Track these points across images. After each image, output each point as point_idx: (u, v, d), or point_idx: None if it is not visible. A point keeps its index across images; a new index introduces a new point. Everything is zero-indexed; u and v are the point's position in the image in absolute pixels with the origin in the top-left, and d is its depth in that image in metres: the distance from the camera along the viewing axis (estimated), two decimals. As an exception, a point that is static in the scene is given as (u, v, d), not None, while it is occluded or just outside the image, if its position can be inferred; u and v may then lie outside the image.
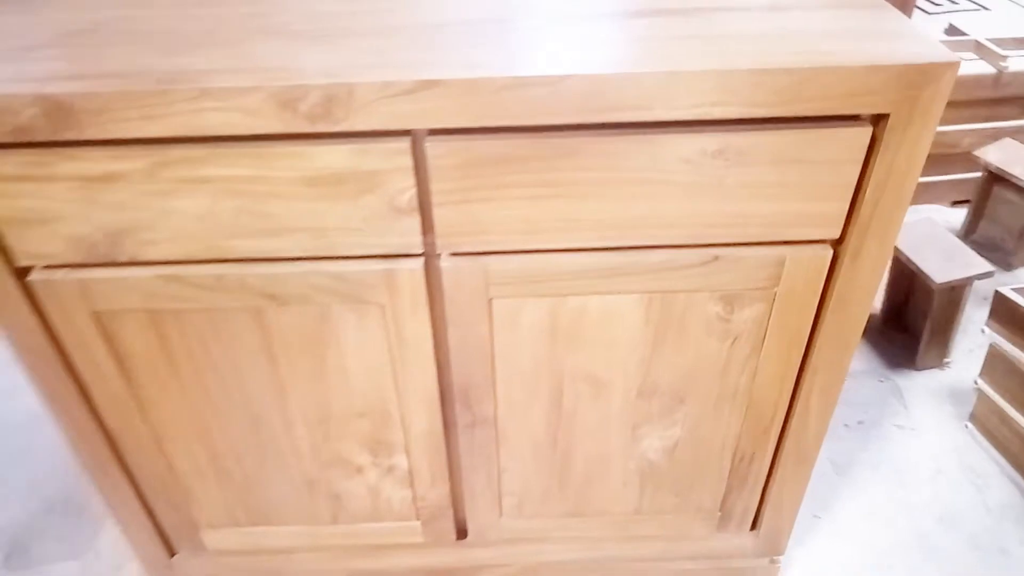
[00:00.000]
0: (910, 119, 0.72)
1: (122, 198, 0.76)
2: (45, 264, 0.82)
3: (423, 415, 0.97)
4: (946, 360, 1.64)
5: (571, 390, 0.96)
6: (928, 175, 2.08)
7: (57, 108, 0.69)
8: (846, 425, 1.54)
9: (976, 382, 1.46)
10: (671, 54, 0.71)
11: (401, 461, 1.04)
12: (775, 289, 0.85)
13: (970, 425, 1.50)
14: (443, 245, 0.81)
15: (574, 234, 0.80)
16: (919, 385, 1.62)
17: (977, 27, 2.07)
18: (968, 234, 1.99)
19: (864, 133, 0.73)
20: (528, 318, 0.88)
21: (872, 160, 0.75)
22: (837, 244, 0.83)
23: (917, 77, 0.69)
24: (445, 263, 0.83)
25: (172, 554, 1.17)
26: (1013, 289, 1.38)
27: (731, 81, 0.69)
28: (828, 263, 0.83)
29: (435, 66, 0.70)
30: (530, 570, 1.22)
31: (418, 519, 1.12)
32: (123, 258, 0.81)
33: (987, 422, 1.46)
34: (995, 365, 1.42)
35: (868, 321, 1.75)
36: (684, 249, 0.82)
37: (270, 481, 1.05)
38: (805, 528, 1.34)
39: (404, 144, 0.73)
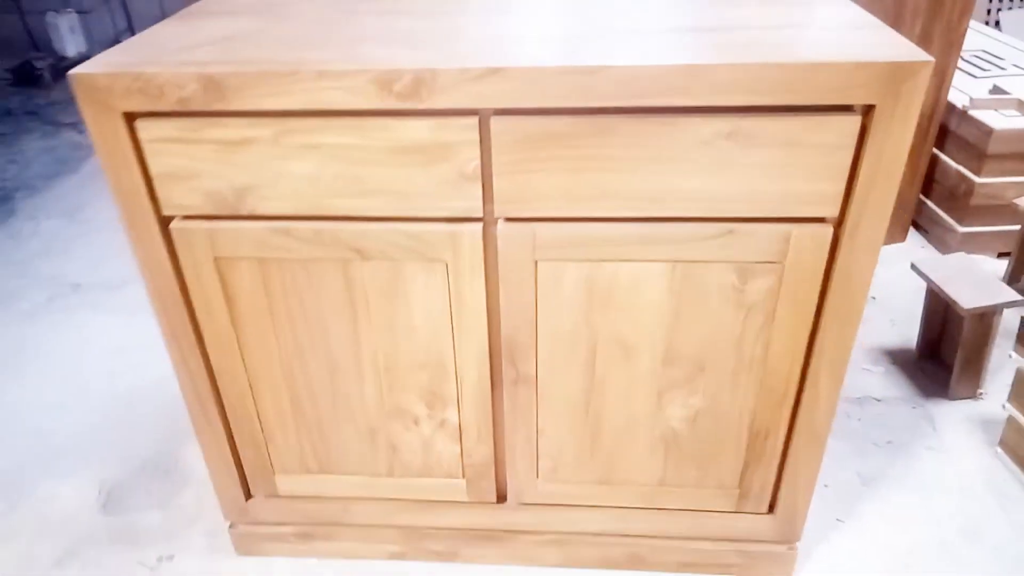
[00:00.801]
0: (894, 110, 0.86)
1: (250, 160, 0.96)
2: (184, 215, 1.03)
3: (474, 370, 1.13)
4: (980, 391, 1.70)
5: (603, 353, 1.09)
6: (974, 226, 2.16)
7: (211, 84, 0.90)
8: (875, 444, 1.60)
9: (1004, 406, 1.52)
10: (694, 53, 0.88)
11: (452, 415, 1.18)
12: (783, 262, 0.98)
13: (1000, 450, 1.55)
14: (499, 211, 0.98)
15: (608, 204, 0.96)
16: (951, 413, 1.67)
17: (1020, 89, 2.18)
18: (1012, 282, 2.04)
19: (854, 121, 0.88)
20: (568, 281, 1.03)
21: (864, 147, 0.90)
22: (837, 225, 0.96)
23: (898, 73, 0.84)
24: (500, 227, 1.00)
25: (248, 497, 1.33)
26: (1038, 315, 1.45)
27: (741, 74, 0.85)
28: (830, 240, 0.96)
29: (501, 59, 0.89)
30: (562, 539, 1.32)
31: (464, 477, 1.26)
32: (244, 212, 1.01)
33: (1016, 446, 1.51)
34: (1022, 388, 1.48)
35: (903, 353, 1.83)
36: (703, 222, 0.97)
37: (339, 427, 1.21)
38: (827, 528, 1.41)
39: (473, 121, 0.92)
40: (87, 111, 0.93)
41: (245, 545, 1.39)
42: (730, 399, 1.12)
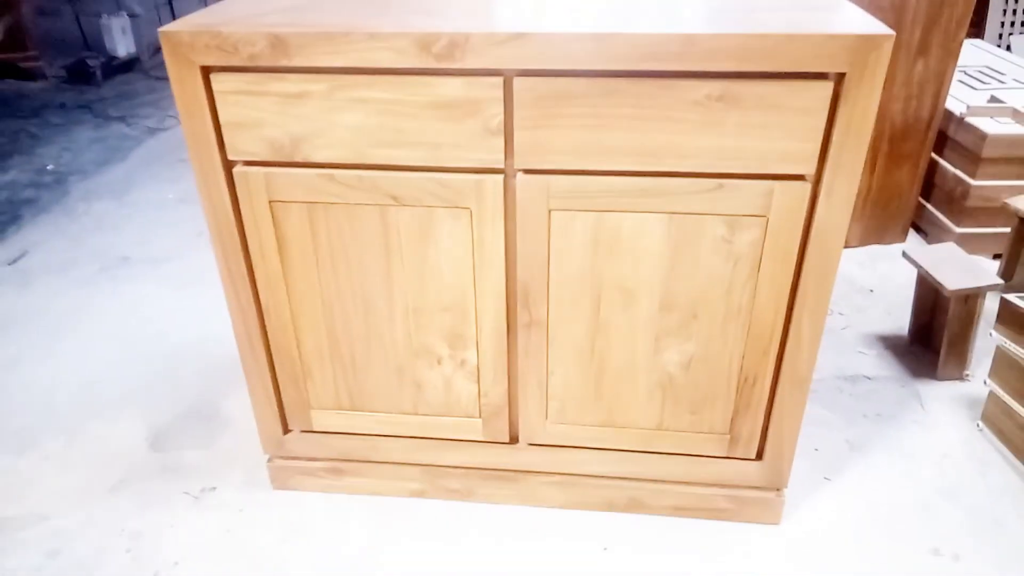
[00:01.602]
0: (861, 77, 1.00)
1: (306, 111, 1.12)
2: (245, 160, 1.18)
3: (491, 313, 1.26)
4: (966, 372, 1.80)
5: (607, 299, 1.23)
6: (970, 227, 2.27)
7: (278, 42, 1.06)
8: (865, 416, 1.71)
9: (985, 381, 1.62)
10: (689, 24, 1.03)
11: (472, 356, 1.32)
12: (768, 216, 1.12)
13: (981, 424, 1.65)
14: (518, 163, 1.13)
15: (613, 158, 1.10)
16: (938, 392, 1.78)
17: (1017, 99, 2.30)
18: (1005, 280, 2.15)
19: (828, 86, 1.01)
20: (578, 230, 1.17)
21: (836, 110, 1.03)
22: (815, 183, 1.10)
23: (864, 44, 0.98)
24: (519, 179, 1.14)
25: (286, 431, 1.47)
26: (1017, 295, 1.57)
27: (729, 42, 0.99)
28: (808, 195, 1.09)
29: (525, 26, 1.04)
30: (567, 481, 1.45)
31: (480, 416, 1.39)
32: (298, 159, 1.16)
33: (995, 419, 1.62)
34: (1001, 364, 1.59)
35: (896, 339, 1.94)
36: (696, 178, 1.11)
37: (370, 365, 1.36)
38: (815, 485, 1.52)
39: (499, 80, 1.07)
40: (171, 64, 1.09)
41: (281, 479, 1.53)
42: (720, 345, 1.25)
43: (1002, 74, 2.61)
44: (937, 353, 1.83)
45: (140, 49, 4.45)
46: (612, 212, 1.15)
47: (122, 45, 4.30)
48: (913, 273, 1.99)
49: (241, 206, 1.21)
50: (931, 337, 1.87)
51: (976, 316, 1.73)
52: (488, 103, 1.08)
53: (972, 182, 2.21)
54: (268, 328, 1.34)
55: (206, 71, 1.10)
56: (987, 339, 1.85)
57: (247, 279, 1.28)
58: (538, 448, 1.42)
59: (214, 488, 1.55)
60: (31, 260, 2.44)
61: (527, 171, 1.14)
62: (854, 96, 1.01)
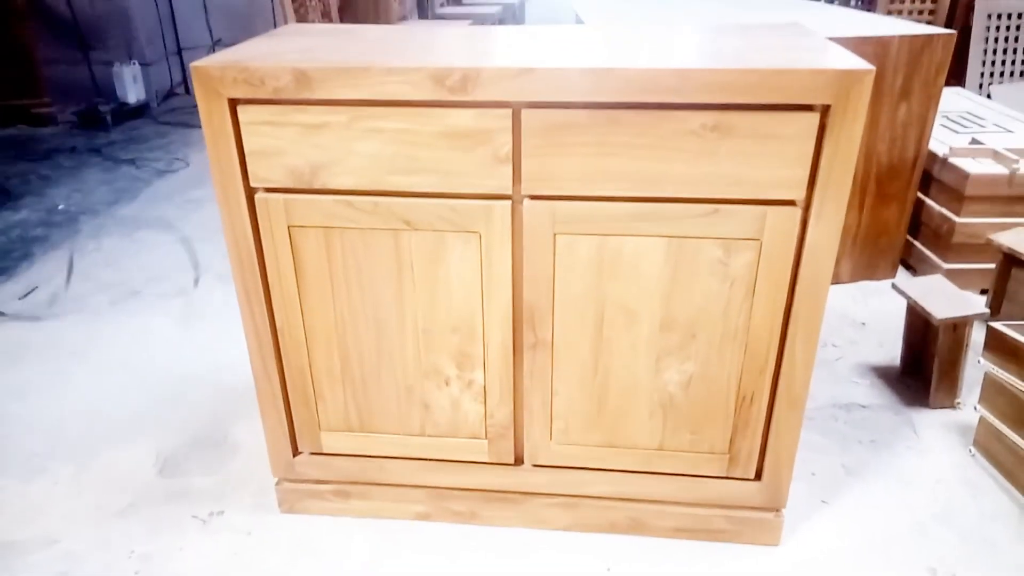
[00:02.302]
0: (845, 109, 1.08)
1: (326, 141, 1.19)
2: (265, 187, 1.25)
3: (499, 333, 1.32)
4: (957, 400, 1.85)
5: (610, 320, 1.28)
6: (956, 263, 2.35)
7: (302, 76, 1.14)
8: (860, 442, 1.76)
9: (976, 407, 1.67)
10: (684, 58, 1.11)
11: (479, 376, 1.37)
12: (761, 239, 1.18)
13: (973, 449, 1.69)
14: (525, 190, 1.20)
15: (615, 185, 1.17)
16: (931, 419, 1.82)
17: (997, 142, 2.40)
18: (992, 315, 2.21)
19: (814, 117, 1.09)
20: (581, 253, 1.23)
21: (823, 140, 1.11)
22: (805, 208, 1.17)
23: (847, 78, 1.06)
24: (526, 204, 1.21)
25: (296, 454, 1.50)
26: (1004, 324, 1.63)
27: (721, 77, 1.07)
28: (799, 219, 1.16)
29: (531, 62, 1.12)
30: (570, 502, 1.48)
31: (486, 437, 1.43)
32: (317, 185, 1.23)
33: (987, 444, 1.66)
34: (991, 390, 1.64)
35: (889, 370, 2.00)
36: (692, 203, 1.18)
37: (381, 386, 1.40)
38: (813, 509, 1.56)
39: (508, 112, 1.14)
40: (201, 96, 1.17)
41: (289, 502, 1.55)
42: (719, 364, 1.30)
43: (983, 119, 2.72)
44: (928, 382, 1.88)
45: (150, 96, 4.58)
46: (614, 236, 1.21)
47: (133, 92, 4.42)
48: (903, 307, 2.06)
49: (261, 231, 1.27)
50: (922, 366, 1.93)
51: (965, 345, 1.79)
52: (498, 133, 1.16)
53: (957, 219, 2.29)
54: (282, 349, 1.39)
55: (233, 103, 1.18)
56: (975, 368, 1.90)
57: (263, 302, 1.33)
58: (542, 469, 1.45)
59: (222, 512, 1.58)
60: (41, 295, 2.48)
61: (534, 197, 1.21)
62: (839, 126, 1.09)
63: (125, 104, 4.39)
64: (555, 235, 1.22)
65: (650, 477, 1.43)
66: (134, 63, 4.44)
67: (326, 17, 4.54)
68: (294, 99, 1.17)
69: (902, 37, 2.12)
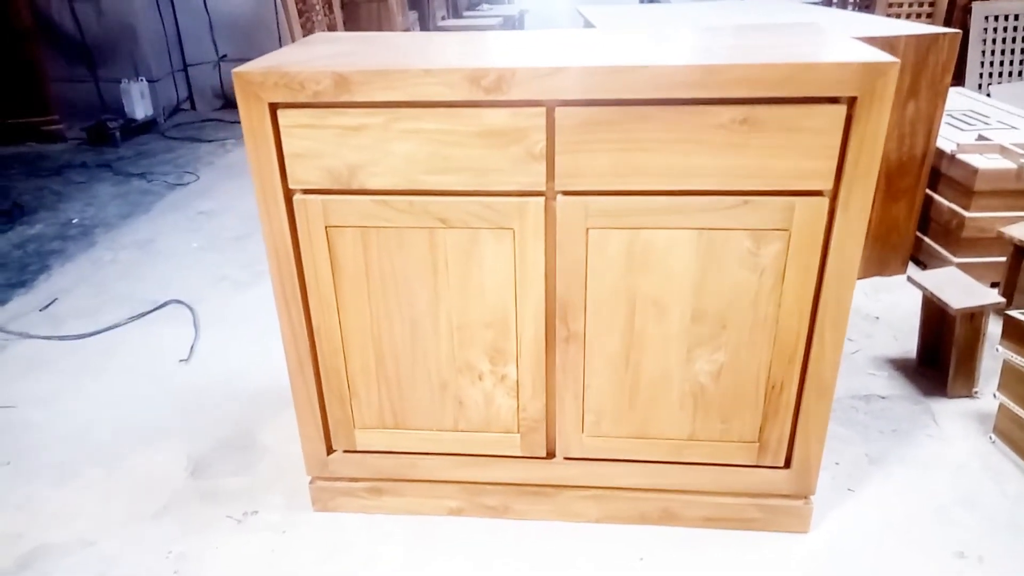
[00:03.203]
0: (871, 101, 1.11)
1: (364, 142, 1.22)
2: (303, 189, 1.28)
3: (532, 327, 1.34)
4: (975, 390, 1.88)
5: (641, 312, 1.31)
6: (967, 257, 2.38)
7: (341, 79, 1.17)
8: (881, 432, 1.78)
9: (995, 395, 1.70)
10: (715, 55, 1.14)
11: (512, 371, 1.39)
12: (790, 229, 1.21)
13: (993, 436, 1.72)
14: (559, 185, 1.23)
15: (646, 179, 1.20)
16: (950, 408, 1.85)
17: (1003, 138, 2.44)
18: (1005, 307, 2.24)
19: (841, 109, 1.13)
20: (613, 246, 1.26)
21: (850, 131, 1.14)
22: (833, 198, 1.20)
23: (872, 71, 1.09)
24: (559, 200, 1.24)
25: (330, 452, 1.52)
26: (1019, 312, 1.66)
27: (748, 72, 1.11)
28: (826, 210, 1.19)
29: (564, 61, 1.16)
30: (601, 494, 1.50)
31: (518, 431, 1.45)
32: (354, 186, 1.26)
33: (1007, 430, 1.69)
34: (1010, 378, 1.67)
35: (905, 362, 2.03)
36: (722, 195, 1.21)
37: (415, 382, 1.42)
38: (839, 497, 1.58)
39: (542, 110, 1.17)
40: (242, 101, 1.20)
41: (322, 500, 1.57)
42: (748, 354, 1.33)
43: (986, 116, 2.76)
44: (945, 372, 1.91)
45: (157, 112, 4.62)
46: (645, 229, 1.24)
47: (140, 108, 4.46)
48: (916, 301, 2.09)
49: (299, 232, 1.30)
50: (939, 357, 1.96)
51: (982, 334, 1.82)
52: (532, 131, 1.19)
53: (967, 214, 2.33)
54: (318, 348, 1.41)
55: (273, 107, 1.21)
56: (991, 359, 1.93)
57: (300, 302, 1.36)
58: (573, 462, 1.48)
59: (256, 512, 1.60)
60: (61, 306, 2.51)
61: (566, 192, 1.24)
62: (865, 118, 1.13)
63: (133, 120, 4.43)
64: (587, 229, 1.25)
65: (681, 468, 1.46)
66: (141, 80, 4.49)
67: (332, 31, 4.59)
68: (333, 102, 1.20)
69: (909, 36, 2.16)
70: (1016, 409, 1.65)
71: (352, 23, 4.86)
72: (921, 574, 1.40)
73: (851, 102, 1.13)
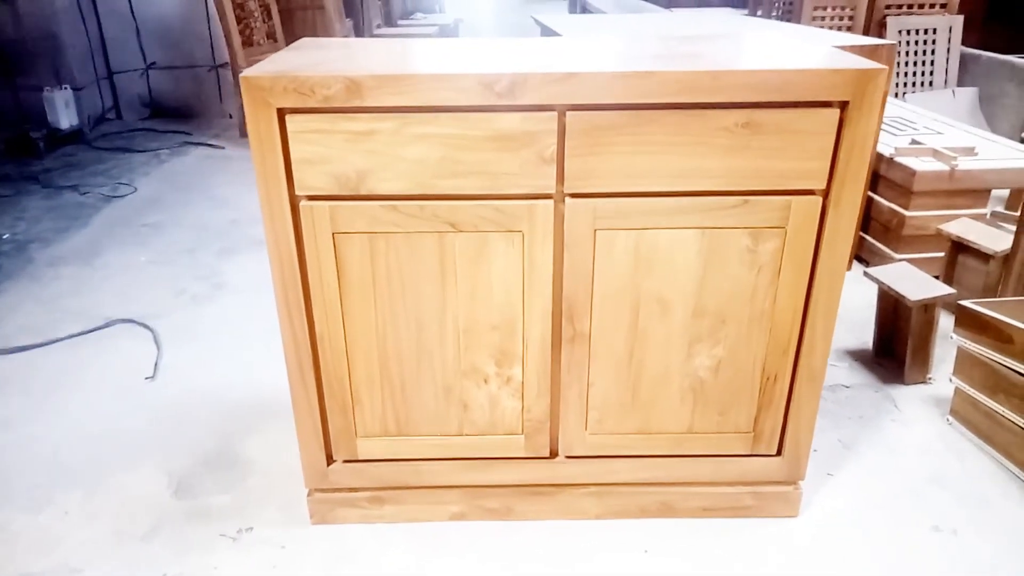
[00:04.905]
0: (861, 105, 1.19)
1: (373, 147, 1.22)
2: (310, 195, 1.27)
3: (538, 329, 1.37)
4: (929, 376, 2.01)
5: (645, 309, 1.36)
6: (907, 253, 2.54)
7: (352, 84, 1.17)
8: (849, 418, 1.89)
9: (951, 379, 1.83)
10: (717, 62, 1.20)
11: (517, 372, 1.41)
12: (785, 227, 1.28)
13: (951, 418, 1.85)
14: (567, 188, 1.26)
15: (651, 181, 1.25)
16: (908, 394, 1.98)
17: (934, 142, 2.62)
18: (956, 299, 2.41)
19: (834, 113, 1.20)
20: (619, 247, 1.30)
21: (842, 133, 1.22)
22: (825, 197, 1.27)
23: (862, 77, 1.17)
24: (568, 202, 1.27)
25: (330, 462, 1.50)
26: (971, 302, 1.79)
27: (754, 77, 1.17)
28: (819, 208, 1.27)
29: (574, 67, 1.19)
30: (604, 491, 1.54)
31: (523, 432, 1.47)
32: (363, 192, 1.25)
33: (964, 412, 1.81)
34: (964, 363, 1.80)
35: (862, 353, 2.15)
36: (724, 196, 1.26)
37: (420, 387, 1.42)
38: (821, 481, 1.66)
39: (553, 114, 1.20)
40: (250, 106, 1.18)
41: (320, 513, 1.55)
42: (746, 348, 1.39)
43: (914, 123, 2.96)
44: (901, 361, 2.04)
45: (82, 121, 4.41)
46: (650, 229, 1.29)
47: (65, 117, 4.25)
48: (864, 296, 2.23)
49: (304, 238, 1.29)
50: (894, 347, 2.09)
51: (935, 324, 1.95)
52: (543, 135, 1.21)
53: (906, 213, 2.49)
54: (320, 357, 1.39)
55: (281, 113, 1.20)
56: (941, 347, 2.07)
57: (303, 309, 1.34)
58: (575, 460, 1.51)
59: (250, 528, 1.55)
60: (7, 326, 2.37)
61: (575, 195, 1.27)
62: (856, 120, 1.20)
63: (58, 130, 4.21)
64: (595, 231, 1.29)
65: (679, 460, 1.50)
66: (65, 88, 4.27)
67: (271, 38, 4.50)
68: (343, 107, 1.19)
69: (852, 47, 2.30)
70: (971, 391, 1.78)
71: (288, 30, 4.77)
72: (904, 548, 1.49)
73: (843, 106, 1.21)
